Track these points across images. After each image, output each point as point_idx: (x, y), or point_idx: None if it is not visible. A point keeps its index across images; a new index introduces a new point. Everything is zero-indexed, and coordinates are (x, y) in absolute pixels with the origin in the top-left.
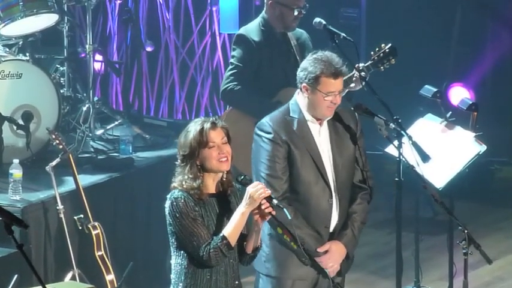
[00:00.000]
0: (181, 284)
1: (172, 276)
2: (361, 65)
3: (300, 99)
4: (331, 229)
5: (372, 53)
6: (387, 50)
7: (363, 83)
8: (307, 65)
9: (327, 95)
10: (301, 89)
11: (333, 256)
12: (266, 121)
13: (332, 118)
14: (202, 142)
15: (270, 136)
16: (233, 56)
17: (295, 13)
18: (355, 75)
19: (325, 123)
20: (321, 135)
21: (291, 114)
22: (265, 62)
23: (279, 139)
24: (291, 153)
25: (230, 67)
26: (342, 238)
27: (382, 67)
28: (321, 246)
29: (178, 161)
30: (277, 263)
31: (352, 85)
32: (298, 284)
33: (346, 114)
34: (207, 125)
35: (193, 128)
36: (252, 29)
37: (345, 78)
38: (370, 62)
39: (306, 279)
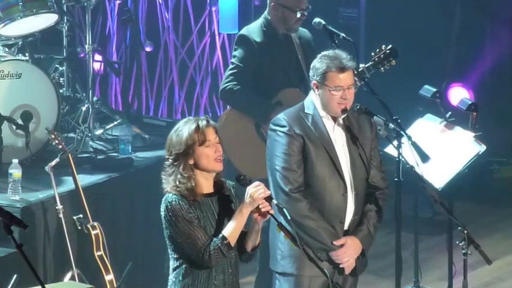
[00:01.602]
0: (179, 284)
1: (170, 276)
2: (361, 65)
3: (313, 97)
4: (346, 226)
5: (373, 53)
6: (388, 51)
7: (362, 83)
8: (315, 63)
9: (334, 89)
10: (312, 88)
11: (348, 250)
12: (281, 116)
13: (347, 117)
14: (198, 140)
15: (284, 129)
16: (234, 56)
17: (298, 15)
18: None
19: (340, 121)
20: (335, 132)
21: (305, 111)
22: (266, 62)
23: (293, 132)
24: (306, 147)
25: (231, 66)
26: (358, 234)
27: (382, 68)
28: (337, 240)
29: (169, 161)
30: (293, 260)
31: None
32: (314, 281)
33: (361, 116)
34: (203, 123)
35: (186, 126)
36: (254, 30)
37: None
38: (370, 63)
39: (323, 276)
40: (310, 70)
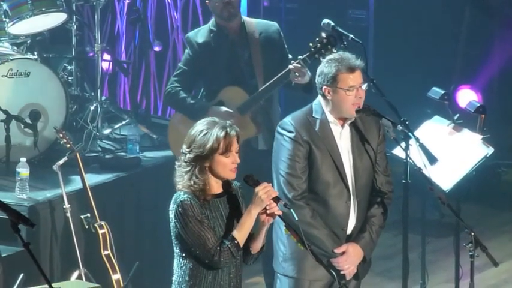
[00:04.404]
0: (184, 285)
1: (175, 277)
2: (299, 57)
3: (322, 102)
4: (348, 231)
5: (311, 44)
6: (325, 40)
7: (371, 84)
8: (323, 68)
9: (349, 89)
10: (323, 94)
11: (349, 258)
12: (288, 120)
13: (354, 121)
14: (222, 148)
15: (291, 135)
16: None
17: (217, 3)
18: (293, 66)
19: (346, 126)
20: (342, 138)
21: (313, 115)
22: (207, 62)
23: (300, 138)
24: (312, 153)
25: (176, 69)
26: (360, 241)
27: (320, 57)
28: (338, 248)
29: (187, 158)
30: (294, 263)
31: (299, 78)
32: (314, 285)
33: (368, 119)
34: (233, 132)
35: (213, 130)
36: (201, 31)
37: (281, 73)
38: (307, 54)
39: (322, 280)
40: (318, 77)
